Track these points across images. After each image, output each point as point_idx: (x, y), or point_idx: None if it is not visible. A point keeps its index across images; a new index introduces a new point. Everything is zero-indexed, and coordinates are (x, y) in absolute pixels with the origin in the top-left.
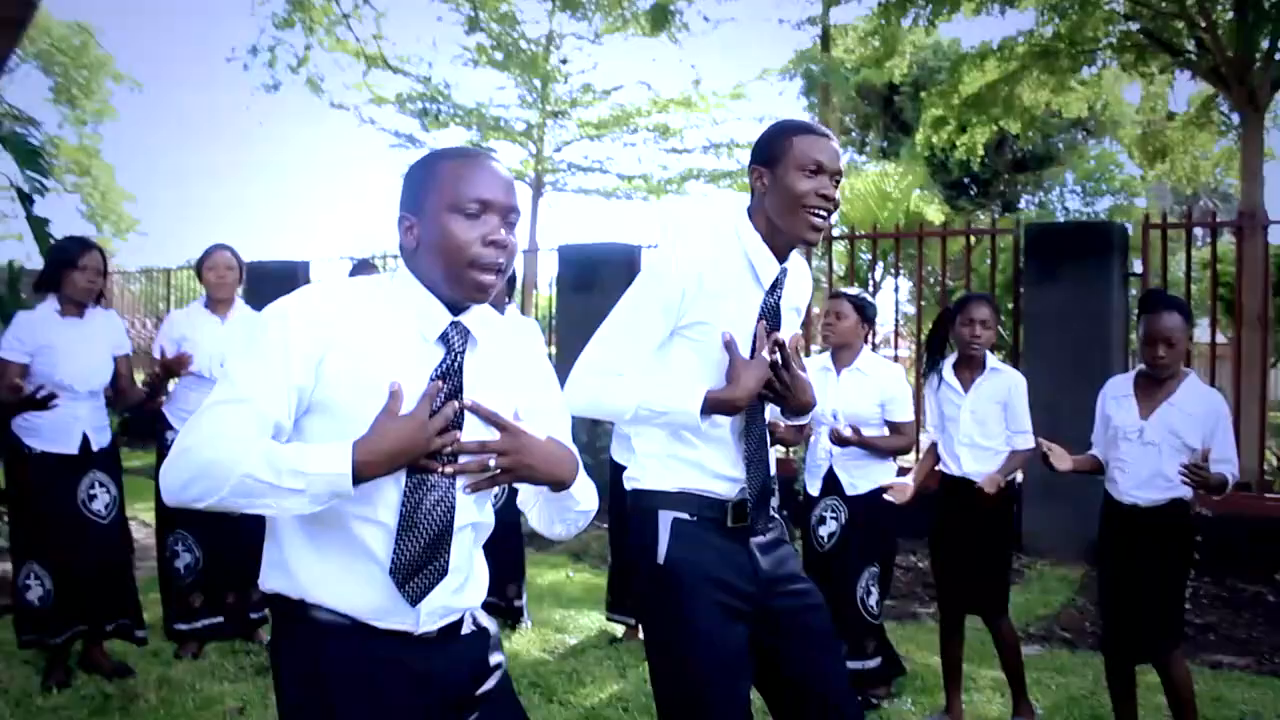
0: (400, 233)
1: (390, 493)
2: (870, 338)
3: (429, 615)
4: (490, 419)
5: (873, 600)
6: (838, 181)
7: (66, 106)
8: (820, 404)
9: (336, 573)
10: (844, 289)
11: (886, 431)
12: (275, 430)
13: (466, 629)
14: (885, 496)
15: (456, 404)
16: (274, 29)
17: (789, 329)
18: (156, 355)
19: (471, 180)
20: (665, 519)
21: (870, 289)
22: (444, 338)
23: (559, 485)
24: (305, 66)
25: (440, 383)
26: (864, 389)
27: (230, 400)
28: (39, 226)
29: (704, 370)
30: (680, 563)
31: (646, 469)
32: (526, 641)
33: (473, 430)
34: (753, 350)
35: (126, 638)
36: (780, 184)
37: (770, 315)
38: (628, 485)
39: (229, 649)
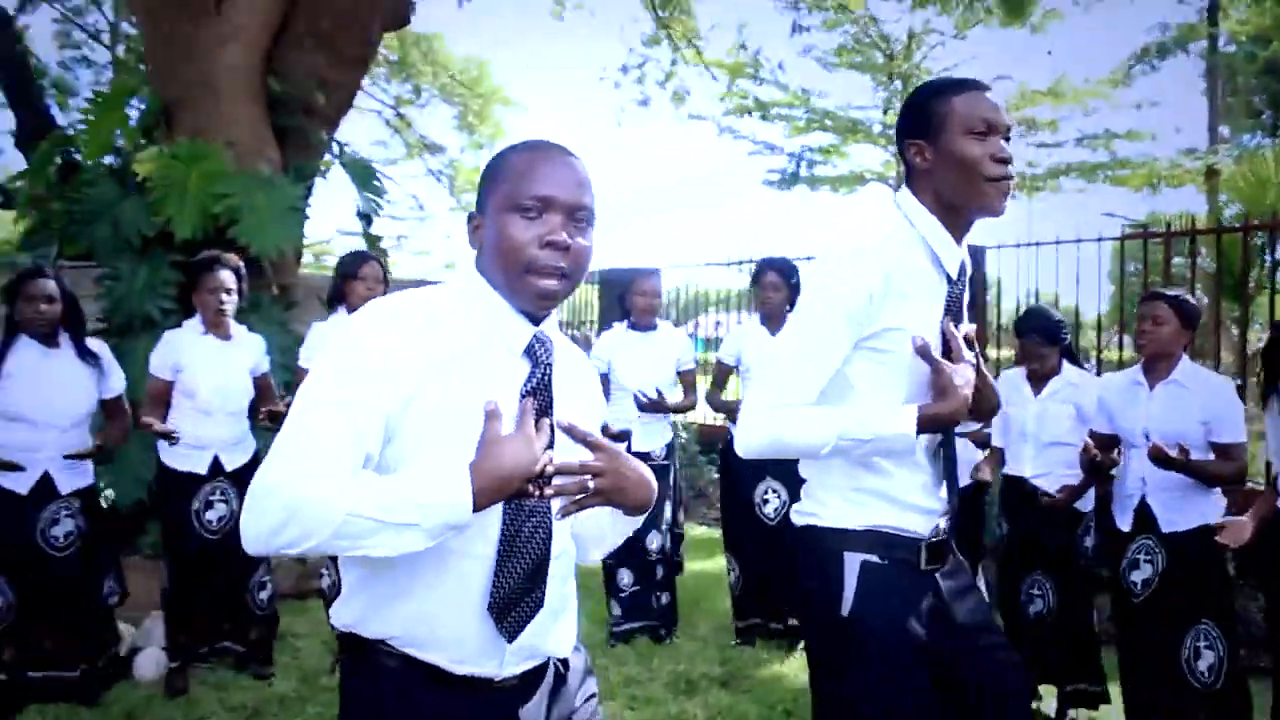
0: (469, 232)
1: (492, 521)
2: (1189, 346)
3: (514, 655)
4: (584, 439)
5: (1204, 665)
6: (1009, 138)
7: (466, 133)
8: (1130, 423)
9: (423, 611)
10: (1162, 289)
11: (1212, 456)
12: (365, 460)
13: (549, 677)
14: (1217, 539)
15: (549, 421)
16: (642, 47)
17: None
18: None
19: (534, 176)
20: (852, 563)
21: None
22: (529, 351)
23: (642, 508)
24: (672, 81)
25: (532, 399)
26: (1183, 405)
27: (316, 429)
28: (373, 243)
29: (894, 384)
30: (869, 617)
31: (826, 504)
32: None
33: (558, 451)
34: (945, 350)
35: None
36: (949, 154)
37: (954, 308)
38: (799, 521)
39: None
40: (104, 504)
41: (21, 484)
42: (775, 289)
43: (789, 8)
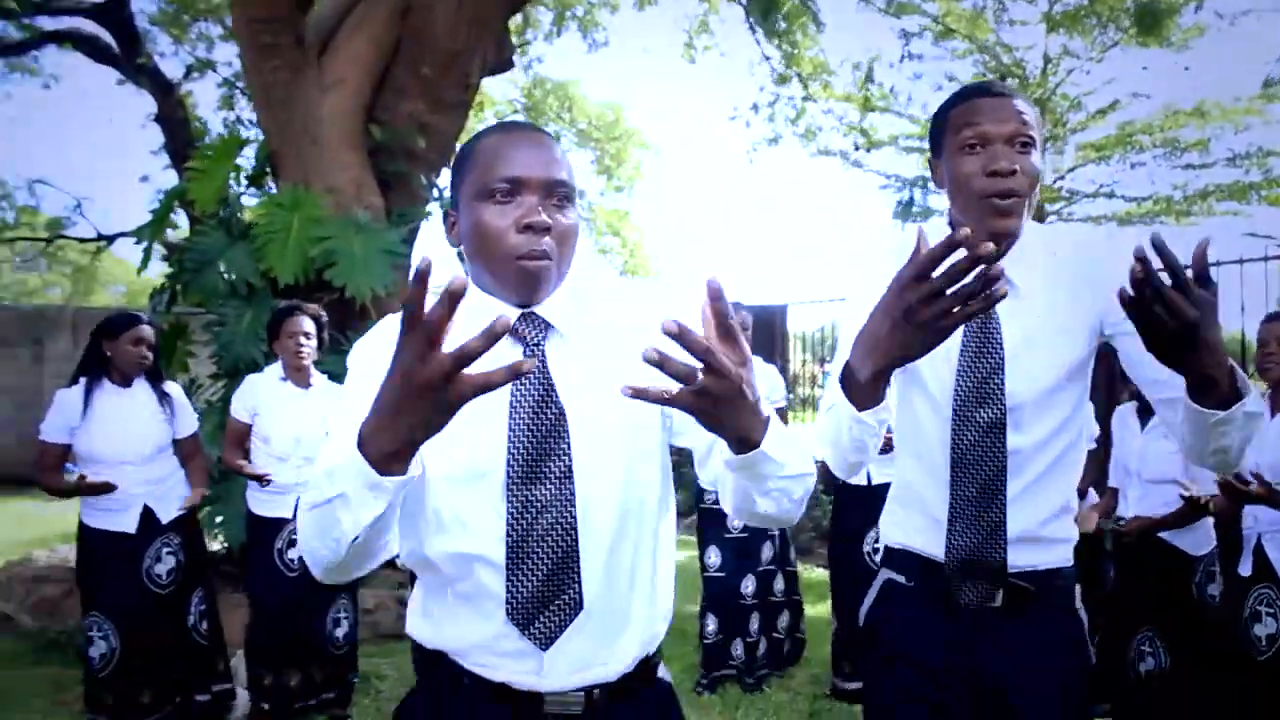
0: (445, 230)
1: (491, 523)
2: None
3: (562, 667)
4: (719, 317)
5: None
6: (1024, 144)
7: (604, 177)
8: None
9: (457, 619)
10: None
11: None
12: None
13: (624, 698)
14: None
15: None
16: (772, 85)
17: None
18: None
19: (502, 158)
20: (881, 578)
21: None
22: (514, 332)
23: (741, 441)
24: (803, 118)
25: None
26: None
27: (319, 458)
28: None
29: (912, 398)
30: (878, 625)
31: (886, 518)
32: None
33: (584, 444)
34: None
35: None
36: (949, 171)
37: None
38: None
39: None
40: (219, 547)
41: (128, 522)
42: None
43: (915, 37)
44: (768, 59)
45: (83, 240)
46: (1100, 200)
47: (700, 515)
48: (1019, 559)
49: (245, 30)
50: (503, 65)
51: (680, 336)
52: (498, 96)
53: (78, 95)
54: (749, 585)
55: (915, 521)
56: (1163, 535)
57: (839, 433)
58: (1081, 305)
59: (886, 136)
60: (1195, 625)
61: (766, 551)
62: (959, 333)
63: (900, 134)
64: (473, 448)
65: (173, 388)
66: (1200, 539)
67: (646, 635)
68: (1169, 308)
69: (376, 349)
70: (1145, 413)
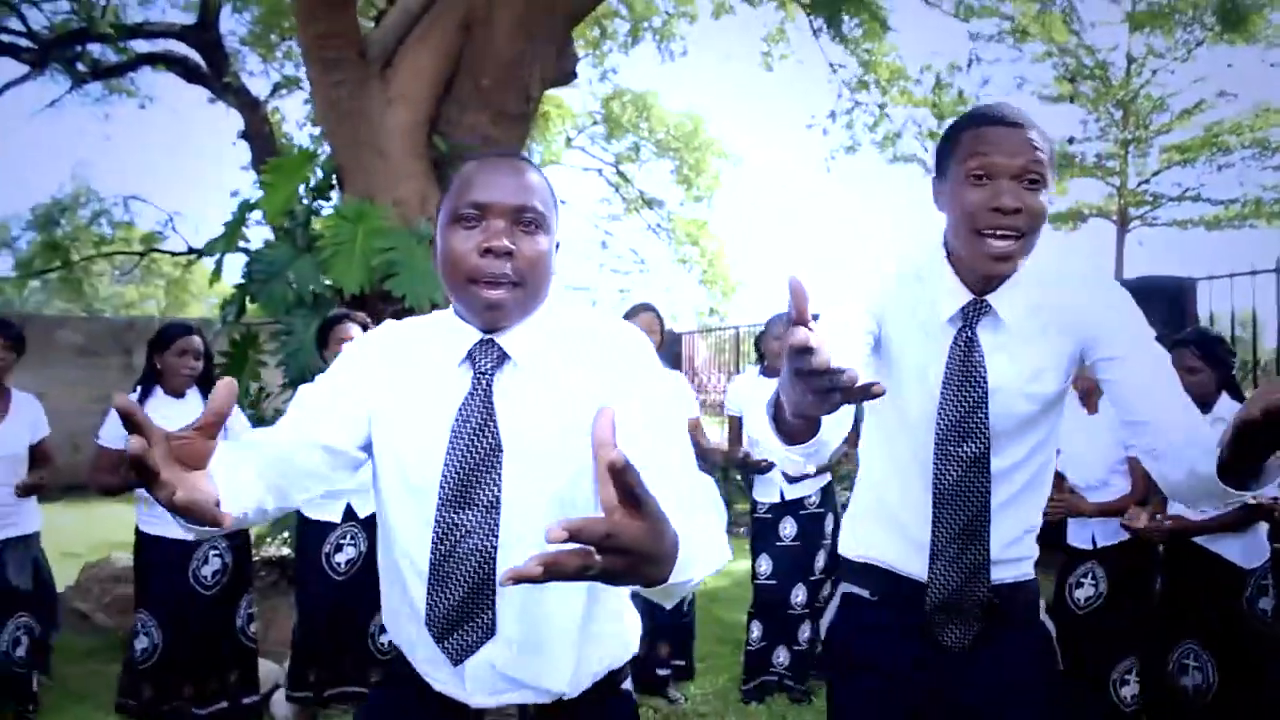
0: (433, 256)
1: (422, 535)
2: None
3: (478, 684)
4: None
5: None
6: (1033, 181)
7: (683, 186)
8: None
9: (403, 620)
10: None
11: None
12: (331, 451)
13: (566, 714)
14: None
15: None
16: (849, 93)
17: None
18: None
19: (472, 184)
20: (841, 590)
21: None
22: (469, 357)
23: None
24: (881, 125)
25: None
26: None
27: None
28: None
29: (893, 420)
30: (841, 636)
31: (846, 530)
32: None
33: (516, 479)
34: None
35: None
36: (950, 198)
37: (958, 358)
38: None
39: None
40: (288, 551)
41: (178, 528)
42: None
43: (994, 41)
44: (842, 66)
45: (174, 254)
46: (1186, 204)
47: (754, 524)
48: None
49: (310, 47)
50: (565, 77)
51: (574, 537)
52: (577, 109)
53: (171, 114)
54: (799, 595)
55: (889, 539)
56: (1213, 548)
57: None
58: (1065, 336)
59: None
60: (1243, 640)
61: (820, 561)
62: (940, 362)
63: None
64: (417, 464)
65: None
66: (1253, 551)
67: (586, 663)
68: None
69: (365, 346)
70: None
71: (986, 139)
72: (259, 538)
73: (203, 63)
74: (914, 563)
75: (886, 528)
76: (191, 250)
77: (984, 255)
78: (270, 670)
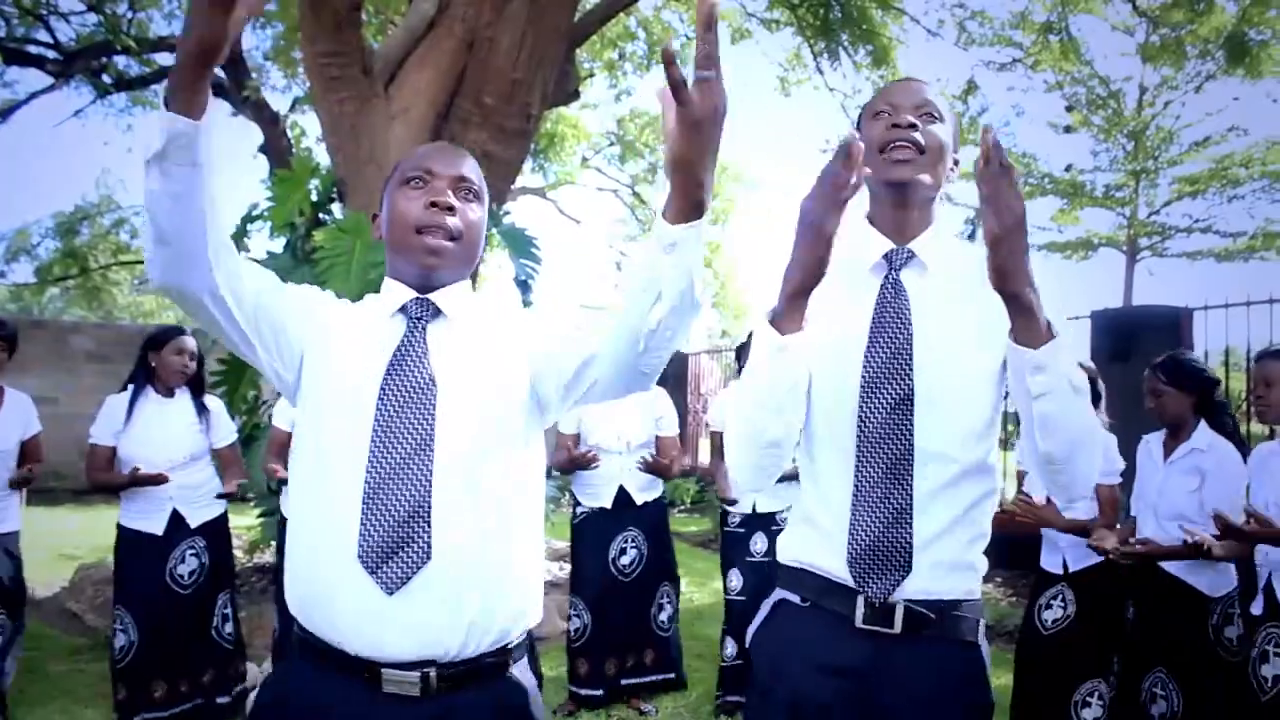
0: (372, 231)
1: (354, 465)
2: None
3: (405, 631)
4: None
5: None
6: (929, 114)
7: None
8: (1263, 498)
9: (322, 558)
10: (1275, 348)
11: None
12: (260, 307)
13: (465, 684)
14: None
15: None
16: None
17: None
18: None
19: (419, 156)
20: (774, 597)
21: None
22: (404, 309)
23: (686, 209)
24: None
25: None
26: None
27: None
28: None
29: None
30: (763, 649)
31: (781, 539)
32: None
33: (449, 414)
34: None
35: None
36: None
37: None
38: None
39: None
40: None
41: (156, 524)
42: None
43: (1006, 69)
44: (846, 94)
45: None
46: (1195, 235)
47: (723, 538)
48: (920, 584)
49: (313, 64)
50: (567, 97)
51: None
52: (593, 129)
53: None
54: None
55: (810, 537)
56: (1181, 575)
57: (757, 390)
58: (994, 305)
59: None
60: (1208, 668)
61: None
62: (867, 318)
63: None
64: (353, 395)
65: (212, 401)
66: (1219, 580)
67: (488, 615)
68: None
69: (344, 304)
70: (1172, 437)
71: (889, 91)
72: (251, 545)
73: (224, 77)
74: (835, 562)
75: (810, 527)
76: None
77: (888, 165)
78: (255, 672)
